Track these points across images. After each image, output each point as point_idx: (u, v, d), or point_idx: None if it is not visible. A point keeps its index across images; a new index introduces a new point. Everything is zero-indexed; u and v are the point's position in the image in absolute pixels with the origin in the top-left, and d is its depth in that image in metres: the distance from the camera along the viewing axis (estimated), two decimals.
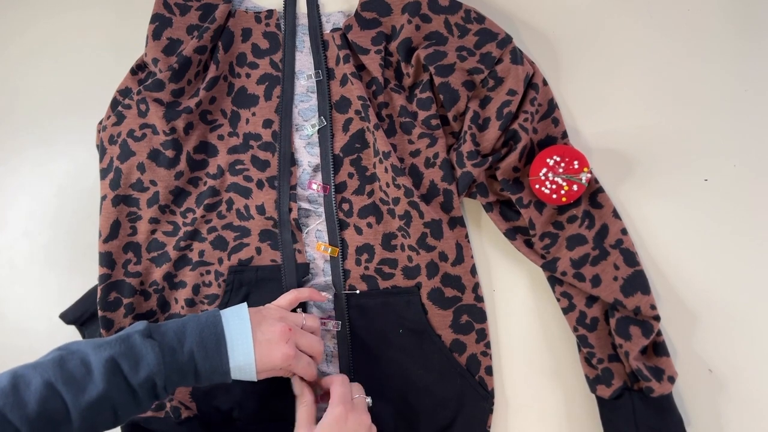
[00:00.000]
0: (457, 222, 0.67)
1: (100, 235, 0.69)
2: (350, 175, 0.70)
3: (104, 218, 0.69)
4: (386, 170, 0.67)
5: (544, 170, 0.65)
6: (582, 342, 0.63)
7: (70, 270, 0.76)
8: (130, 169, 0.70)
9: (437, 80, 0.66)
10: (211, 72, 0.71)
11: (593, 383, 0.63)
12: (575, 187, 0.64)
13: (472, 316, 0.67)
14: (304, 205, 0.70)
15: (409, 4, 0.68)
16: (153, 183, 0.70)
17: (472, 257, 0.68)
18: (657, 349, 0.62)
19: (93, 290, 0.71)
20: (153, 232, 0.71)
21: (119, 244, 0.70)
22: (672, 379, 0.60)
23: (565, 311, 0.64)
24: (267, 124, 0.71)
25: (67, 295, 0.73)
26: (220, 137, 0.72)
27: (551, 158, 0.65)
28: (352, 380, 0.67)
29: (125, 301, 0.69)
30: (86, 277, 0.73)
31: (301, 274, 0.68)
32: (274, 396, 0.67)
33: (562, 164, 0.64)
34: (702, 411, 0.64)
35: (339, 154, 0.70)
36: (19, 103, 0.81)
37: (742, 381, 0.64)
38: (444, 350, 0.66)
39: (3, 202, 0.80)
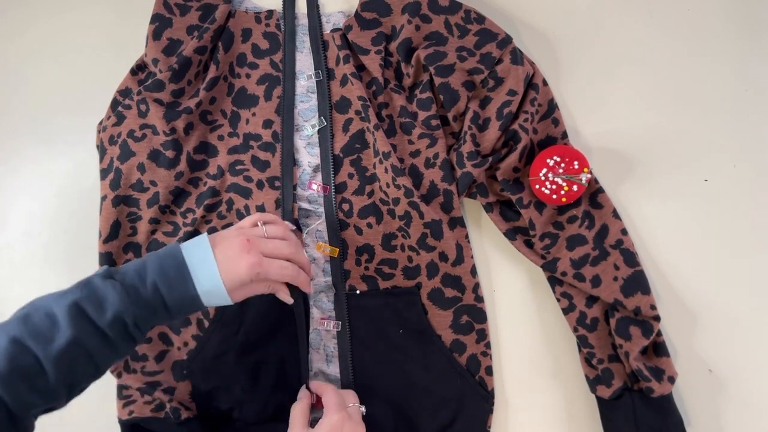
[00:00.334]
0: (457, 222, 0.67)
1: (100, 236, 0.69)
2: (350, 176, 0.70)
3: (104, 218, 0.69)
4: (386, 170, 0.67)
5: (544, 170, 0.64)
6: (582, 342, 0.63)
7: (70, 270, 0.76)
8: (130, 169, 0.70)
9: (437, 80, 0.66)
10: (211, 72, 0.71)
11: (593, 383, 0.63)
12: (575, 188, 0.64)
13: (473, 317, 0.67)
14: (304, 205, 0.70)
15: (409, 4, 0.68)
16: (153, 183, 0.70)
17: (472, 257, 0.68)
18: (657, 349, 0.62)
19: None
20: (153, 232, 0.71)
21: (119, 245, 0.70)
22: (672, 380, 0.60)
23: (565, 311, 0.65)
24: (267, 124, 0.71)
25: None
26: (220, 137, 0.72)
27: (551, 158, 0.65)
28: (352, 380, 0.67)
29: None
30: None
31: None
32: (274, 396, 0.67)
33: (562, 164, 0.64)
34: (702, 411, 0.64)
35: (339, 154, 0.70)
36: (19, 103, 0.81)
37: (742, 381, 0.64)
38: (444, 350, 0.66)
39: (3, 202, 0.80)
